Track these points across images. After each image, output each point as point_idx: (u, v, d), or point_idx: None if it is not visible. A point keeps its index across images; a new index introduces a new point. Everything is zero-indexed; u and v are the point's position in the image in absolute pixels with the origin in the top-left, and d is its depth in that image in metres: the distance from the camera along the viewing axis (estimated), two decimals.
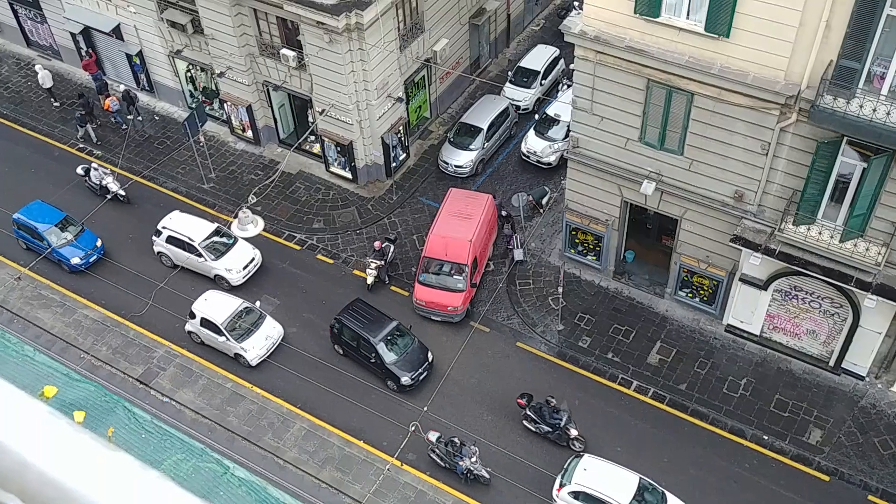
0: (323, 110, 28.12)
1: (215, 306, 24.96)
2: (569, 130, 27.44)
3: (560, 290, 25.11)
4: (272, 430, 23.60)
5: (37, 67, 33.89)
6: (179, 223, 27.19)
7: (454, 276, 25.48)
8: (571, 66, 23.16)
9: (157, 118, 32.85)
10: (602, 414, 23.54)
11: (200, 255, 26.64)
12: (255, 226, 28.93)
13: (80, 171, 29.39)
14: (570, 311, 25.89)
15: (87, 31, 32.52)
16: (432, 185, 30.11)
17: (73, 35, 32.85)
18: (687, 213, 23.05)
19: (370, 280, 26.32)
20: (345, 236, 28.65)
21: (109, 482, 1.04)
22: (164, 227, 27.16)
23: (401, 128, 29.56)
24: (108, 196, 28.66)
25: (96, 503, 1.02)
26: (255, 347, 24.62)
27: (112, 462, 1.08)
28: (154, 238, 27.39)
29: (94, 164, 29.35)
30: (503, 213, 27.73)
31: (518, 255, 26.92)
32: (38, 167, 31.03)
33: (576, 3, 27.11)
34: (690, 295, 25.23)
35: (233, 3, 27.00)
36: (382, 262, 26.30)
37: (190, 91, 32.38)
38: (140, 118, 32.41)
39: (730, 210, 21.95)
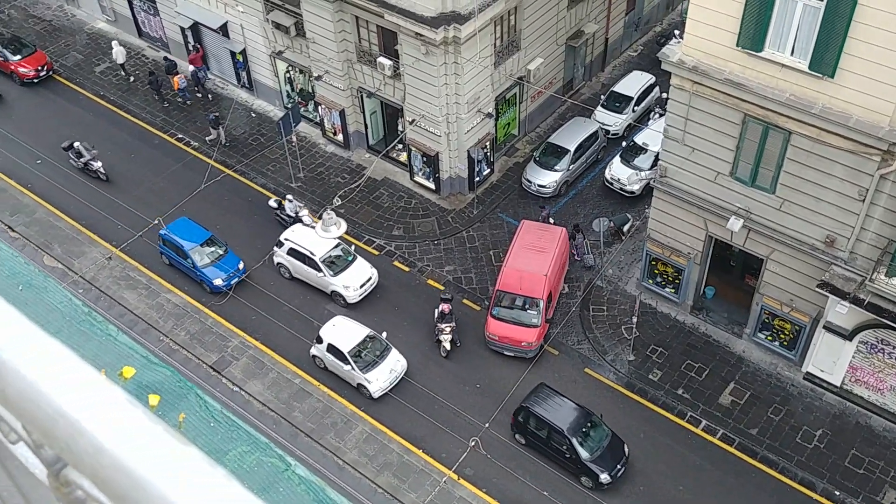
0: (413, 120, 28.47)
1: (343, 333, 24.66)
2: (655, 160, 27.10)
3: (634, 319, 24.72)
4: (335, 429, 23.91)
5: (113, 43, 35.92)
6: (301, 236, 27.01)
7: (529, 311, 24.84)
8: (666, 95, 22.84)
9: (253, 115, 33.86)
10: (666, 450, 23.01)
11: (320, 270, 26.50)
12: (338, 228, 29.37)
13: (272, 203, 28.96)
14: (643, 343, 25.44)
15: (195, 27, 33.81)
16: (513, 202, 30.09)
17: (182, 29, 34.20)
18: (774, 254, 22.38)
19: (447, 346, 25.35)
20: (423, 245, 28.89)
21: (179, 476, 1.10)
22: (286, 239, 27.06)
23: (487, 143, 29.66)
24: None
25: (165, 495, 1.08)
26: (378, 379, 24.13)
27: (183, 456, 1.13)
28: (275, 249, 27.32)
29: (288, 197, 28.95)
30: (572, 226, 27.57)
31: (589, 260, 27.18)
32: (138, 153, 32.32)
33: (676, 32, 26.74)
34: (770, 338, 24.46)
35: (336, 10, 27.64)
36: (454, 325, 25.37)
37: (287, 92, 33.27)
38: (210, 97, 34.44)
39: (819, 254, 21.22)
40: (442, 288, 27.03)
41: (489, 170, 30.65)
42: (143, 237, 28.79)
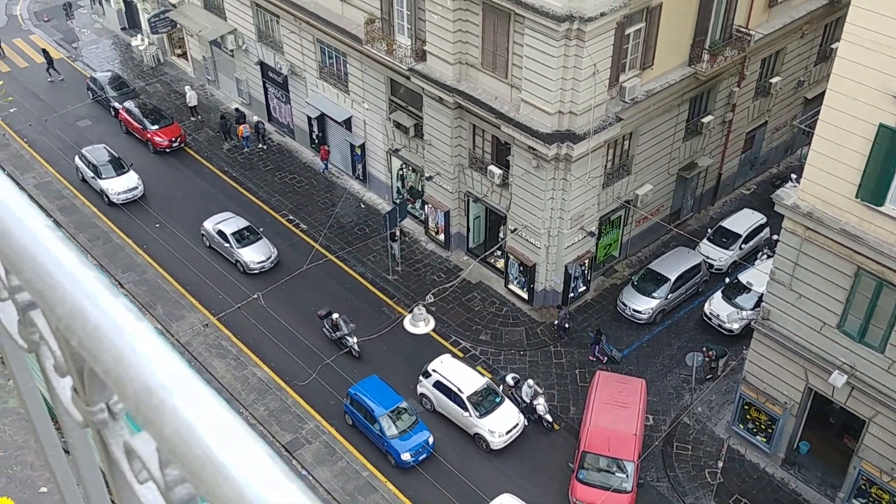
0: (515, 229, 28.76)
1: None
2: (759, 301, 26.28)
3: (720, 464, 23.49)
4: None
5: (186, 88, 40.03)
6: (450, 369, 25.93)
7: (618, 475, 23.25)
8: (776, 237, 22.34)
9: (362, 206, 34.97)
10: None
11: (466, 409, 25.09)
12: (427, 324, 29.50)
13: (510, 380, 26.90)
14: (727, 490, 24.07)
15: (321, 118, 35.61)
16: (606, 323, 29.61)
17: (309, 119, 36.08)
18: (877, 417, 21.05)
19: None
20: (508, 354, 28.63)
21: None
22: (433, 370, 26.03)
23: (586, 261, 29.56)
24: (536, 418, 26.03)
25: None
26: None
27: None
28: (421, 378, 26.33)
29: (529, 382, 26.56)
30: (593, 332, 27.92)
31: (617, 355, 27.51)
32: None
33: (793, 176, 26.35)
34: None
35: (455, 117, 28.63)
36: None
37: (397, 188, 34.32)
38: (264, 146, 37.69)
39: None
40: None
41: (585, 287, 30.41)
42: (241, 309, 29.68)
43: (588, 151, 25.94)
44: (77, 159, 35.39)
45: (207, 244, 32.14)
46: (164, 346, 1.12)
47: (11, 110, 34.38)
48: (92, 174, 34.61)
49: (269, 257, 31.24)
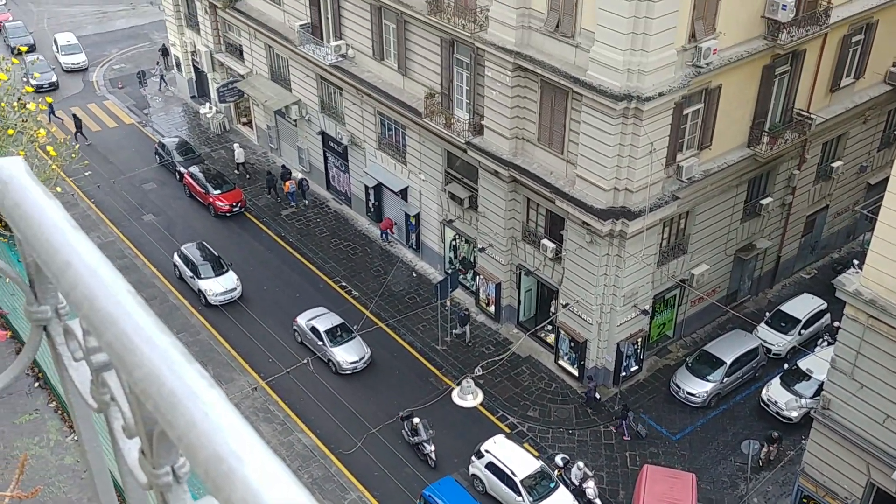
0: (567, 304, 28.53)
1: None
2: (819, 389, 25.46)
3: None
4: None
5: (235, 146, 41.78)
6: (504, 451, 25.31)
7: None
8: (837, 324, 21.72)
9: (414, 275, 35.17)
10: None
11: (519, 494, 24.47)
12: (475, 397, 29.27)
13: (559, 461, 26.29)
14: None
15: (378, 187, 36.24)
16: (657, 405, 28.90)
17: (366, 188, 36.75)
18: None
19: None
20: (556, 432, 28.05)
21: None
22: (486, 451, 25.43)
23: (639, 339, 29.07)
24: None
25: None
26: None
27: None
28: (473, 459, 25.70)
29: (579, 464, 25.84)
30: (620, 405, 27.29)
31: (643, 431, 27.20)
32: (303, 294, 34.10)
33: (855, 262, 25.80)
34: None
35: (510, 190, 28.86)
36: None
37: (450, 258, 34.50)
38: (307, 202, 39.13)
39: None
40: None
41: (637, 367, 29.82)
42: (290, 374, 29.81)
43: (643, 229, 25.79)
44: (176, 256, 34.35)
45: (299, 340, 30.93)
46: (235, 414, 1.13)
47: (87, 174, 35.88)
48: (191, 273, 33.38)
49: (363, 357, 29.90)
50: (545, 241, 28.49)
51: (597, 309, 27.72)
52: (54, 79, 46.66)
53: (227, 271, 33.63)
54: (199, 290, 33.08)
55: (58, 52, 49.15)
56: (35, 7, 59.27)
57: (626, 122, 24.26)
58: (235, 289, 33.18)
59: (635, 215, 25.41)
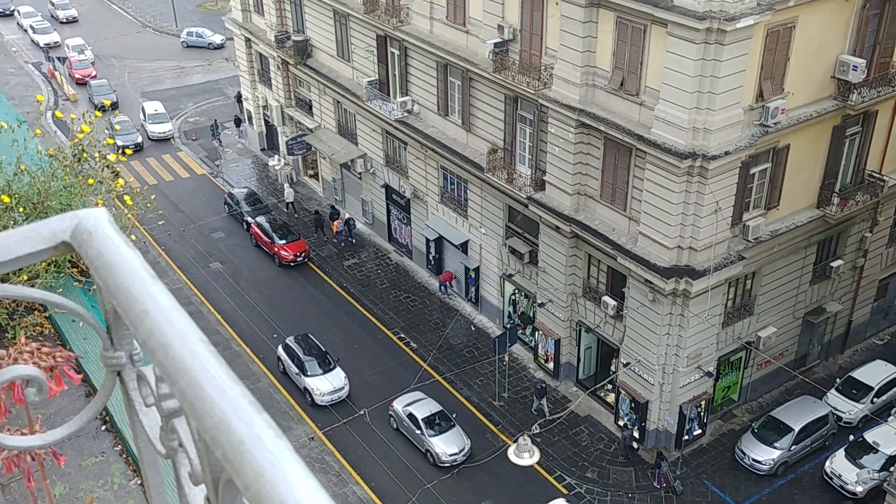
0: (628, 363, 28.00)
1: None
2: (888, 463, 24.33)
3: None
4: None
5: (285, 185, 43.56)
6: None
7: None
8: None
9: (472, 329, 35.06)
10: None
11: None
12: (531, 456, 28.69)
13: None
14: None
15: (439, 240, 36.49)
16: (722, 471, 27.92)
17: (427, 240, 37.04)
18: None
19: None
20: (615, 496, 27.29)
21: None
22: None
23: (703, 402, 28.27)
24: None
25: None
26: None
27: None
28: None
29: None
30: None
31: (679, 487, 26.47)
32: (361, 344, 34.29)
33: None
34: None
35: (571, 245, 28.72)
36: None
37: (509, 312, 34.32)
38: (353, 241, 40.61)
39: None
40: None
41: (700, 430, 28.94)
42: (347, 425, 29.81)
43: (708, 288, 25.29)
44: (280, 349, 32.55)
45: (395, 426, 29.67)
46: (302, 465, 1.15)
47: (160, 223, 37.09)
48: (297, 370, 31.49)
49: (463, 449, 28.36)
50: (606, 298, 28.15)
51: (659, 369, 27.13)
52: (139, 140, 47.84)
53: (334, 368, 31.49)
54: (305, 389, 31.13)
55: (145, 120, 50.39)
56: (117, 62, 62.17)
57: (691, 180, 24.02)
58: (343, 388, 31.01)
59: (700, 274, 24.96)
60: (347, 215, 41.23)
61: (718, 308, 26.69)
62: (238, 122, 50.58)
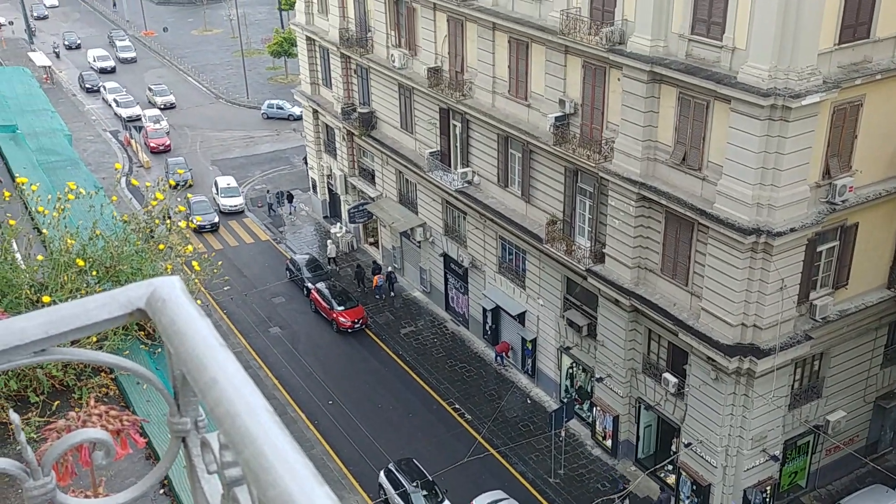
0: (690, 444, 27.11)
1: None
2: None
3: None
4: None
5: (328, 241, 45.37)
6: None
7: None
8: None
9: (528, 402, 34.52)
10: None
11: None
12: None
13: None
14: None
15: (496, 310, 36.34)
16: None
17: (484, 310, 36.92)
18: None
19: None
20: None
21: None
22: None
23: (768, 487, 27.08)
24: None
25: None
26: None
27: None
28: None
29: None
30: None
31: None
32: (416, 414, 34.03)
33: None
34: None
35: (631, 319, 28.28)
36: None
37: (566, 386, 33.74)
38: (393, 294, 41.74)
39: None
40: None
41: None
42: (396, 494, 29.36)
43: (773, 368, 24.51)
44: (382, 475, 29.68)
45: None
46: None
47: (225, 288, 37.89)
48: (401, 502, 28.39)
49: None
50: (667, 375, 27.48)
51: (722, 451, 26.19)
52: (216, 220, 49.01)
53: (442, 501, 28.58)
54: None
55: (217, 193, 51.74)
56: (190, 131, 64.67)
57: (755, 256, 23.58)
58: None
59: (764, 353, 24.24)
60: (389, 269, 42.24)
61: (785, 389, 25.79)
62: (290, 198, 51.48)
